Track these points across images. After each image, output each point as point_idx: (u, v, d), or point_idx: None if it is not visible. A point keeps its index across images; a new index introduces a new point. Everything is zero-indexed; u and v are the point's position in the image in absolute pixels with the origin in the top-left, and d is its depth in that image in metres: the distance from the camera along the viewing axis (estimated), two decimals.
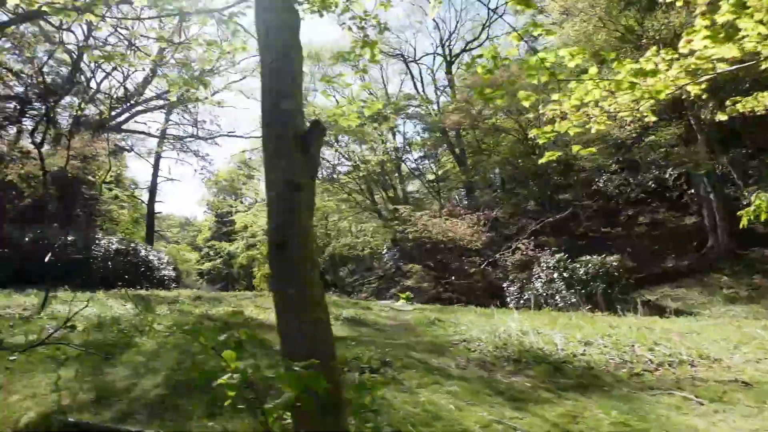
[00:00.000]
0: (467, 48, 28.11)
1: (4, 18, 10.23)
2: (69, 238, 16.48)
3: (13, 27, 11.22)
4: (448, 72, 27.73)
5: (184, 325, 6.68)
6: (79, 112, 21.51)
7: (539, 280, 14.15)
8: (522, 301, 14.25)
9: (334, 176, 23.59)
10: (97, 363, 4.82)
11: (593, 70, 4.09)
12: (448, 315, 9.81)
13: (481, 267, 14.94)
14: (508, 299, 14.75)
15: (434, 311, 11.61)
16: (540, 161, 5.53)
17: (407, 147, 27.69)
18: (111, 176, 27.23)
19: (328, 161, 23.92)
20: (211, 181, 31.28)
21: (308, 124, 2.65)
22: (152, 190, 26.64)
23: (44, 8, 5.46)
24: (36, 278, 14.56)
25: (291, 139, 2.47)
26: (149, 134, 26.14)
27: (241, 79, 23.09)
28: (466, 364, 5.22)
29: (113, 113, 23.77)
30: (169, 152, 27.74)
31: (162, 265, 17.58)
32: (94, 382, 4.31)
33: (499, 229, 16.51)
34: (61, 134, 18.98)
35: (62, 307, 8.00)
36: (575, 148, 4.93)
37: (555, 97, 4.48)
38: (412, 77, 27.98)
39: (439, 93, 29.39)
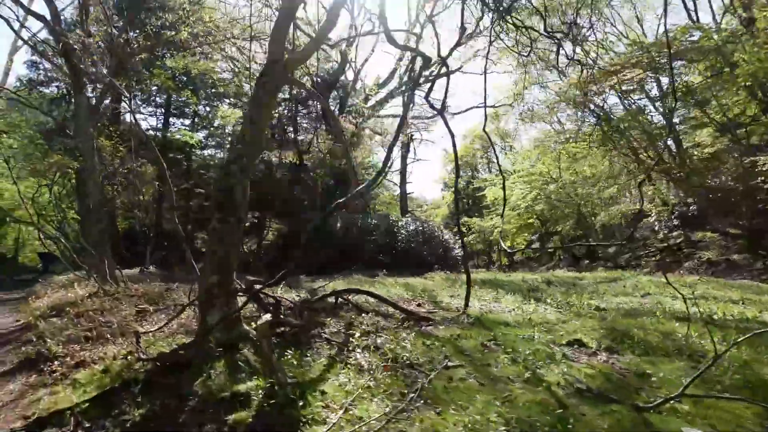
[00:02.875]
0: None
1: None
2: (374, 222, 17.51)
3: None
4: None
5: None
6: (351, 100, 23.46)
7: None
8: None
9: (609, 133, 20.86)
10: None
11: None
12: None
13: None
14: None
15: None
16: None
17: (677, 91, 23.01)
18: (369, 162, 29.60)
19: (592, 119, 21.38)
20: (448, 159, 31.87)
21: None
22: (403, 172, 28.03)
23: None
24: (348, 263, 14.85)
25: None
26: (396, 116, 27.38)
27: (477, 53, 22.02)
28: None
29: (369, 103, 25.28)
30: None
31: (452, 245, 17.50)
32: None
33: None
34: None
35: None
36: None
37: None
38: (685, 5, 23.07)
39: (718, 20, 23.69)
